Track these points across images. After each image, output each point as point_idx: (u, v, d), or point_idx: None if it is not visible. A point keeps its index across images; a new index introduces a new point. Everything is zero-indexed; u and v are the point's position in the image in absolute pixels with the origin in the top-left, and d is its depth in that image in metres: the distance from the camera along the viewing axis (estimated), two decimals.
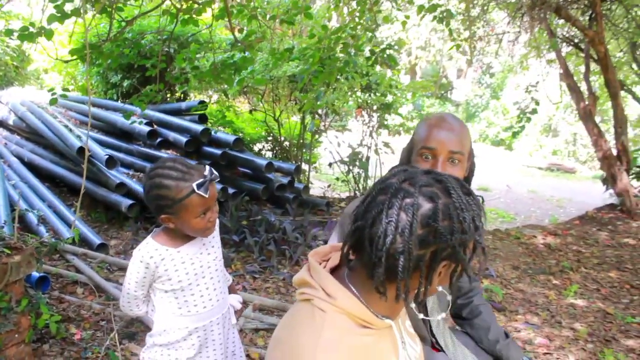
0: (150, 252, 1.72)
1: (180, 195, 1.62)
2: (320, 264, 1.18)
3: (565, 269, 4.97)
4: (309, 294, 1.10)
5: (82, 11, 2.72)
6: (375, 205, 1.04)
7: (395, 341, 1.14)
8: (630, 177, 7.11)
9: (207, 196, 1.65)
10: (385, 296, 1.06)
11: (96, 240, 4.46)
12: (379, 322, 1.09)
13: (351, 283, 1.12)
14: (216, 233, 1.87)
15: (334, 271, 1.18)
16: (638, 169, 7.43)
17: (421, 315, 1.23)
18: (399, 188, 1.03)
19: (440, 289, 1.13)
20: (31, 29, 2.92)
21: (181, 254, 1.75)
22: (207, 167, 1.71)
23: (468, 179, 1.73)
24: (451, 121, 1.64)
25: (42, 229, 4.44)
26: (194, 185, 1.62)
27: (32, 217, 4.47)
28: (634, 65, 8.28)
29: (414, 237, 0.98)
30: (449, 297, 1.32)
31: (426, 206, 1.00)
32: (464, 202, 1.03)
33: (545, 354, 3.43)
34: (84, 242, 4.48)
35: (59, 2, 2.98)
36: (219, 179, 1.73)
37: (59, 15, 2.94)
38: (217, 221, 1.82)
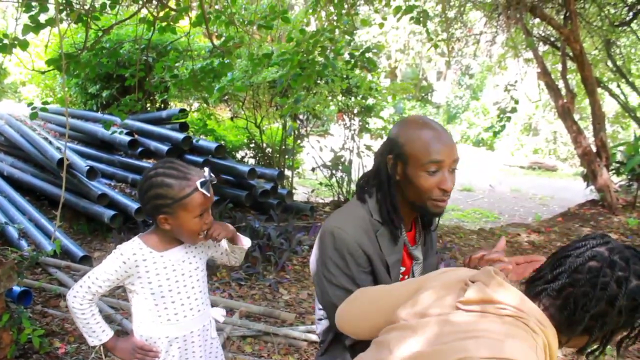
0: (134, 249, 1.71)
1: (183, 193, 1.63)
2: None
3: None
4: (515, 313, 1.15)
5: (57, 21, 2.69)
6: (586, 269, 1.15)
7: None
8: (610, 172, 7.20)
9: (209, 195, 1.67)
10: (561, 345, 1.21)
11: (79, 252, 4.40)
12: None
13: None
14: (202, 245, 1.85)
15: None
16: (617, 165, 7.52)
17: None
18: (613, 261, 1.14)
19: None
20: (5, 41, 2.88)
21: (164, 259, 1.73)
22: (206, 169, 1.72)
23: None
24: (441, 127, 1.60)
25: (23, 242, 4.38)
26: (198, 183, 1.64)
27: (13, 231, 4.41)
28: (609, 62, 8.40)
29: (618, 306, 1.12)
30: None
31: (634, 283, 1.13)
32: None
33: None
34: (66, 254, 4.43)
35: (33, 12, 2.95)
36: (216, 181, 1.73)
37: (33, 25, 2.91)
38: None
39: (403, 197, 1.63)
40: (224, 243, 1.92)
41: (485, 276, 1.23)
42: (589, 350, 1.20)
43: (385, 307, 1.37)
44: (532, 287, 1.24)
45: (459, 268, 1.38)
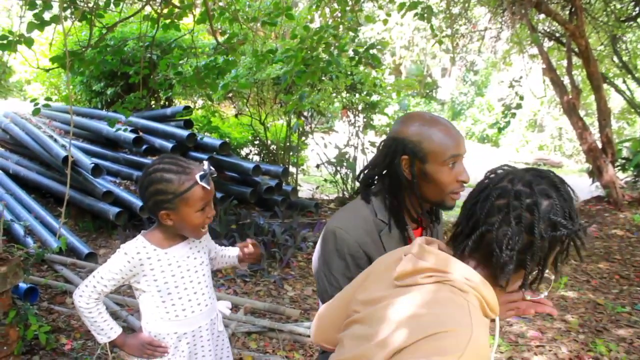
0: (138, 247, 1.71)
1: (183, 187, 1.63)
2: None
3: None
4: (441, 277, 1.14)
5: (61, 18, 2.70)
6: (496, 209, 1.15)
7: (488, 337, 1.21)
8: (616, 168, 7.17)
9: (209, 188, 1.67)
10: (504, 288, 1.19)
11: (84, 249, 4.42)
12: (494, 315, 1.18)
13: None
14: (205, 239, 1.86)
15: None
16: (623, 161, 7.49)
17: None
18: (517, 191, 1.13)
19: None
20: (10, 38, 2.89)
21: (168, 256, 1.74)
22: (206, 162, 1.73)
23: None
24: (447, 121, 1.61)
25: (29, 240, 4.40)
26: (197, 176, 1.64)
27: (19, 229, 4.42)
28: (615, 58, 8.36)
29: (538, 232, 1.10)
30: None
31: (545, 203, 1.12)
32: (568, 194, 1.15)
33: (538, 346, 3.45)
34: (72, 251, 4.44)
35: (37, 10, 2.95)
36: (216, 174, 1.74)
37: (38, 23, 2.91)
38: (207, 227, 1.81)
39: (415, 196, 1.61)
40: (225, 251, 1.99)
41: (415, 247, 1.22)
42: (529, 280, 1.18)
43: (344, 302, 1.36)
44: (456, 245, 1.23)
45: (404, 247, 1.37)
